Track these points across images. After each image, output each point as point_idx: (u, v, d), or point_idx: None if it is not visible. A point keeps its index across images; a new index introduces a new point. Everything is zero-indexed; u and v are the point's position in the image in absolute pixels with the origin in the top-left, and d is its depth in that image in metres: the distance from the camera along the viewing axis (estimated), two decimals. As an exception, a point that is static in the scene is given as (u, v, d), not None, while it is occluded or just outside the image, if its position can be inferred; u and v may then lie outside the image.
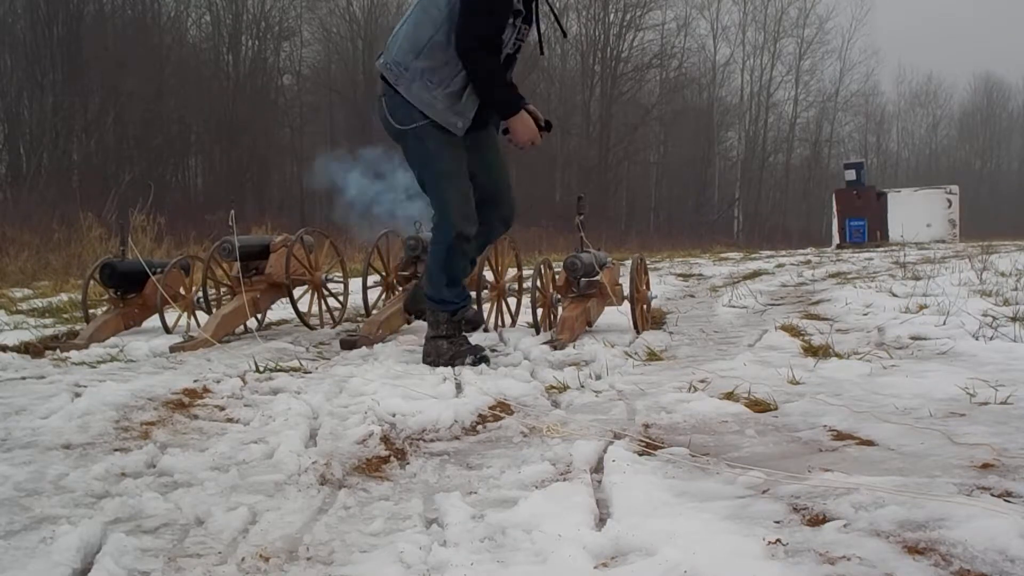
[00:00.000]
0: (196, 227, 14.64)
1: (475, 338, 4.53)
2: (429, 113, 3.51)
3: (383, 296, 5.39)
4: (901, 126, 53.09)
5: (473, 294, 4.94)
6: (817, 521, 1.60)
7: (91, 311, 5.26)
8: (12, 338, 4.67)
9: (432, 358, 3.65)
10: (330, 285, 5.41)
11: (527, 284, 5.22)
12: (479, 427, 2.60)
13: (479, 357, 3.63)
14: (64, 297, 6.89)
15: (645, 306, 4.92)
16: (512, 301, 5.33)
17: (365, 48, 28.91)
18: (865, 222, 21.40)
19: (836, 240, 21.75)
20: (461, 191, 3.60)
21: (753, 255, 15.73)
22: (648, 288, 5.01)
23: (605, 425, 2.47)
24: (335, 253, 5.53)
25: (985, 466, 1.89)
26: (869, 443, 2.18)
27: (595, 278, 4.75)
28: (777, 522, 1.61)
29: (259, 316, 5.26)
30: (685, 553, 1.43)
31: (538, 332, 4.57)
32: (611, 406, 2.77)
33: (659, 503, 1.74)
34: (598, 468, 2.07)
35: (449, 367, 3.51)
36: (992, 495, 1.65)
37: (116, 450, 2.31)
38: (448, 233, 3.58)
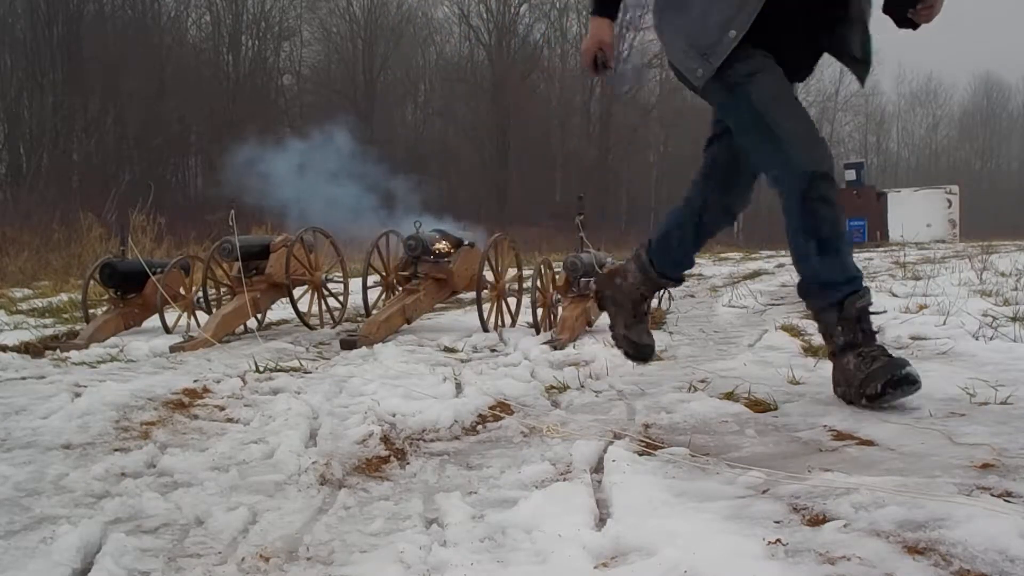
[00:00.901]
0: (196, 227, 14.63)
1: (474, 338, 4.54)
2: (670, 57, 2.58)
3: (383, 296, 5.39)
4: (901, 126, 53.08)
5: (472, 295, 4.95)
6: (817, 521, 1.60)
7: (91, 311, 5.27)
8: (12, 338, 4.67)
9: (841, 388, 2.54)
10: (330, 285, 5.42)
11: (527, 284, 5.22)
12: (479, 427, 2.60)
13: (898, 379, 2.35)
14: (64, 297, 6.90)
15: (645, 306, 4.92)
16: (512, 301, 5.33)
17: (365, 48, 28.92)
18: (865, 222, 21.42)
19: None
20: (796, 119, 2.39)
21: (753, 255, 15.72)
22: (648, 288, 5.00)
23: (605, 425, 2.47)
24: (336, 253, 5.54)
25: (985, 466, 1.89)
26: (869, 443, 2.18)
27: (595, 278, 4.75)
28: (777, 522, 1.61)
29: (259, 316, 5.26)
30: (685, 553, 1.43)
31: (538, 332, 4.57)
32: (611, 406, 2.77)
33: (659, 503, 1.74)
34: (598, 468, 2.07)
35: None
36: (992, 495, 1.65)
37: (116, 450, 2.31)
38: (797, 179, 2.35)
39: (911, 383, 2.37)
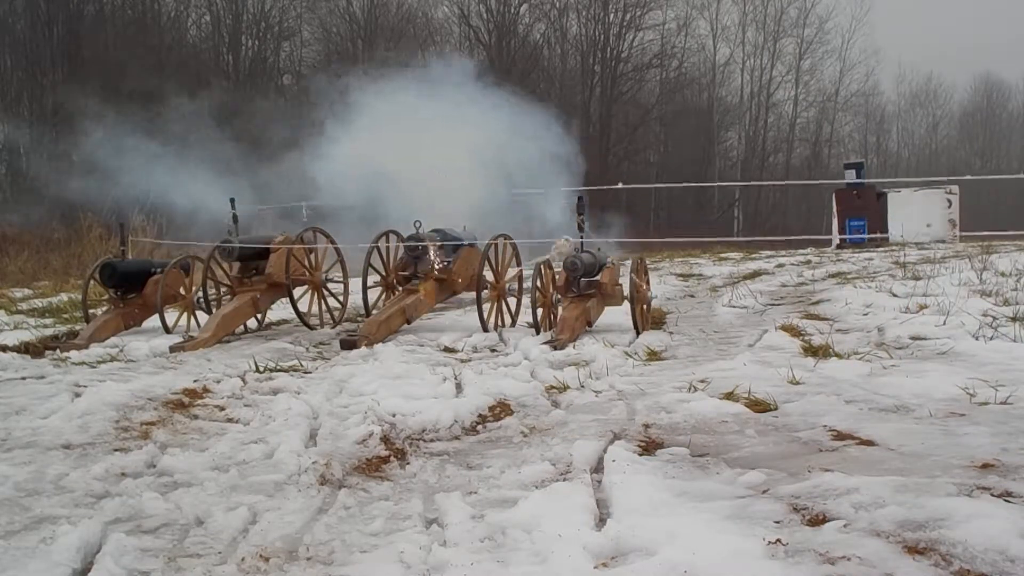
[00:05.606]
0: (196, 227, 14.60)
1: (474, 338, 4.54)
2: None
3: (383, 296, 5.38)
4: (901, 126, 53.03)
5: (472, 295, 4.95)
6: (817, 521, 1.60)
7: (91, 311, 5.27)
8: (12, 338, 4.67)
9: None
10: (330, 285, 5.42)
11: (527, 284, 5.22)
12: (479, 427, 2.60)
13: None
14: (64, 297, 6.89)
15: (645, 306, 4.92)
16: (512, 301, 5.32)
17: (365, 48, 28.90)
18: (865, 222, 21.40)
19: (836, 240, 21.75)
20: None
21: (753, 255, 15.71)
22: (648, 288, 5.01)
23: (605, 425, 2.47)
24: (336, 253, 5.53)
25: (985, 466, 1.89)
26: (869, 443, 2.18)
27: (595, 278, 4.74)
28: (777, 522, 1.61)
29: (259, 316, 5.26)
30: (685, 553, 1.43)
31: (538, 332, 4.57)
32: (611, 406, 2.77)
33: (659, 503, 1.74)
34: (598, 468, 2.07)
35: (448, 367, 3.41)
36: (992, 495, 1.65)
37: (116, 450, 2.31)
38: None
39: None
